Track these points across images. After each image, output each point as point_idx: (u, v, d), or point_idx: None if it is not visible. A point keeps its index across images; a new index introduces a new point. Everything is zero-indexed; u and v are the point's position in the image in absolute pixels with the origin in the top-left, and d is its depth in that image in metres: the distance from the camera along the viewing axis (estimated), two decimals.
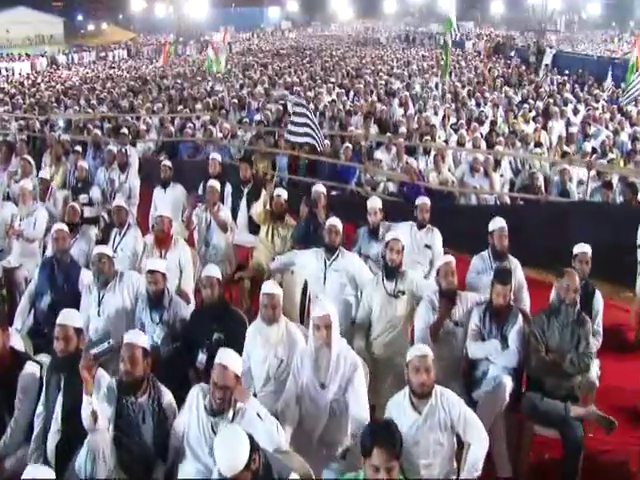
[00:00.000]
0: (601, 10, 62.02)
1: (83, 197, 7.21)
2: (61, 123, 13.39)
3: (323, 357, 3.49)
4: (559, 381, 4.00)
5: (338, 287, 4.74)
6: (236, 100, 14.36)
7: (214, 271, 4.17)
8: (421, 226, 5.67)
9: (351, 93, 15.87)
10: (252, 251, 6.78)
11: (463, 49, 33.02)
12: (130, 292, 4.48)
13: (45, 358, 3.74)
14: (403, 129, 10.91)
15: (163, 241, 5.19)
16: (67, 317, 3.45)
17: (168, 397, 3.24)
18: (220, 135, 11.26)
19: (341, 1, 72.81)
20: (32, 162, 7.97)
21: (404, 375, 4.38)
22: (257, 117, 13.36)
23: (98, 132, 9.58)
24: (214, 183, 6.17)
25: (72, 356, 3.30)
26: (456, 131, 11.85)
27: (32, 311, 4.73)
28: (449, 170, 9.80)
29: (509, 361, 4.08)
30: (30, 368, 3.45)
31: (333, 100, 14.28)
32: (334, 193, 9.77)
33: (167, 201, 6.98)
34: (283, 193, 5.96)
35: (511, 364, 4.09)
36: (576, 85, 17.02)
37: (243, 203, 6.83)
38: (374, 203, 5.68)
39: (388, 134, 10.30)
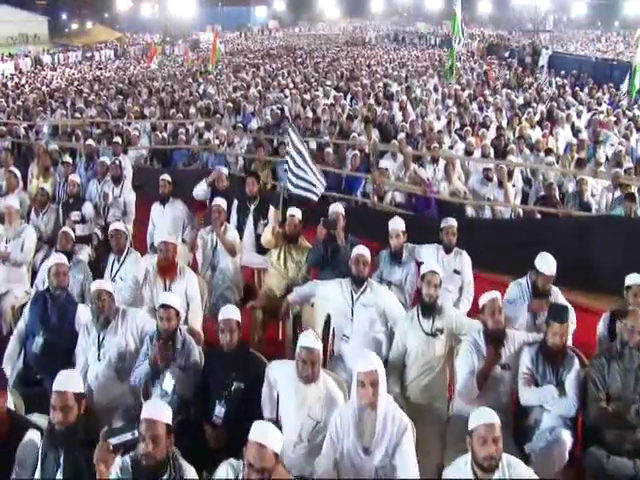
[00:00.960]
0: (586, 10, 62.27)
1: (75, 214, 6.65)
2: (46, 129, 12.76)
3: (367, 419, 3.02)
4: (622, 434, 3.55)
5: (367, 324, 4.25)
6: (230, 104, 13.80)
7: (233, 313, 3.66)
8: (448, 250, 5.21)
9: (348, 96, 15.37)
10: (260, 273, 6.30)
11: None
12: (134, 332, 3.96)
13: (40, 419, 3.21)
14: (401, 135, 10.43)
15: (168, 270, 4.67)
16: (65, 382, 2.89)
17: (191, 474, 2.73)
18: (217, 142, 10.72)
19: (328, 0, 72.49)
20: (18, 175, 7.41)
21: (444, 423, 3.99)
22: (253, 122, 12.86)
23: (91, 142, 8.95)
24: (221, 201, 5.65)
25: (72, 427, 2.79)
26: (461, 137, 11.46)
27: (21, 353, 4.18)
28: (459, 179, 9.38)
29: (566, 410, 3.63)
30: (30, 435, 2.91)
31: (331, 104, 13.79)
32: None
33: (166, 218, 6.48)
34: (297, 212, 5.46)
35: (568, 413, 3.64)
36: (577, 88, 16.66)
37: (250, 221, 6.32)
38: (396, 225, 5.21)
39: (395, 141, 9.81)
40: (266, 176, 9.96)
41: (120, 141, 8.78)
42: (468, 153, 10.19)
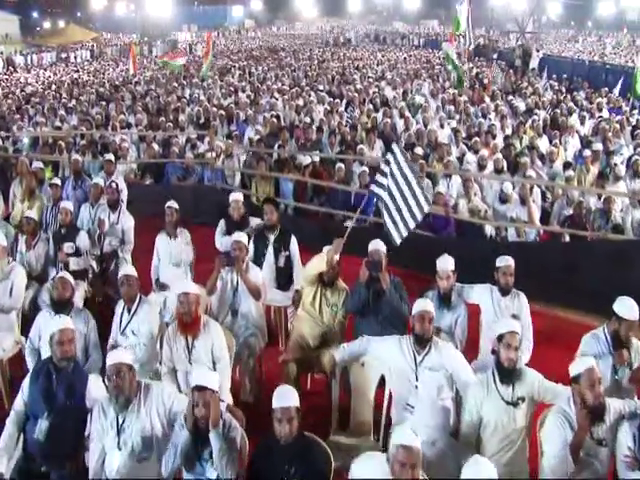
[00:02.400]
0: (561, 10, 62.72)
1: (68, 246, 5.89)
2: (26, 140, 11.87)
3: None
4: None
5: (435, 390, 3.63)
6: (223, 112, 13.04)
7: (292, 399, 2.99)
8: (505, 292, 4.62)
9: (343, 101, 14.73)
10: (281, 313, 5.65)
11: (439, 50, 32.27)
12: (161, 413, 3.28)
13: None
14: (419, 150, 9.84)
15: (191, 326, 3.98)
16: None
17: None
18: (212, 154, 9.98)
19: (305, 0, 71.94)
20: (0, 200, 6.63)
21: None
22: (248, 131, 12.13)
23: (78, 158, 8.15)
24: (241, 237, 4.96)
25: None
26: (469, 147, 10.93)
27: (20, 440, 3.44)
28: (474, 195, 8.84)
29: None
30: None
31: (329, 111, 13.14)
32: (350, 224, 8.68)
33: (174, 251, 5.80)
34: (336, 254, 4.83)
35: None
36: (575, 92, 16.28)
37: (269, 252, 5.66)
38: (446, 264, 4.63)
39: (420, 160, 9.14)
40: (268, 192, 9.30)
41: (113, 158, 7.96)
42: (481, 167, 9.65)
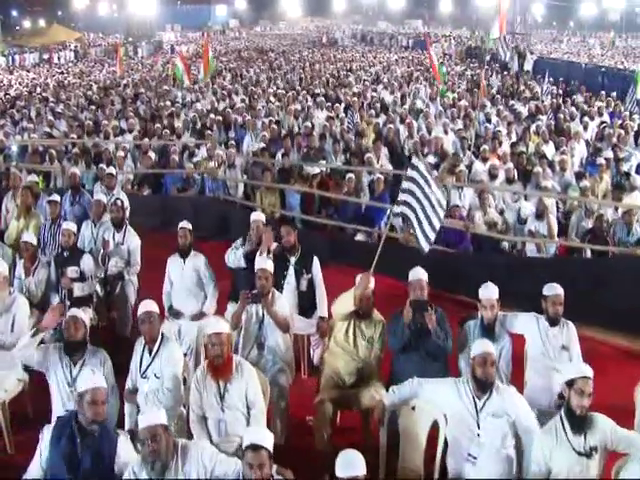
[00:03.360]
0: (543, 10, 63.05)
1: (72, 270, 5.46)
2: (15, 148, 11.33)
3: None
4: None
5: (499, 440, 3.31)
6: (220, 117, 12.60)
7: (359, 468, 2.63)
8: (553, 322, 4.31)
9: (341, 106, 14.35)
10: (304, 342, 5.29)
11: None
12: (203, 478, 2.90)
13: None
14: (430, 158, 9.53)
15: (223, 370, 3.60)
16: None
17: None
18: (213, 163, 9.56)
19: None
20: None
21: None
22: (247, 138, 11.72)
23: (76, 170, 7.69)
24: (267, 264, 4.59)
25: None
26: (476, 155, 10.65)
27: None
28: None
29: None
30: None
31: (330, 117, 12.77)
32: (360, 238, 8.37)
33: (187, 277, 5.39)
34: (371, 283, 4.49)
35: None
36: (575, 96, 16.11)
37: (290, 276, 5.29)
38: (490, 293, 4.32)
39: (435, 173, 8.77)
40: (273, 204, 8.93)
41: (114, 171, 7.52)
42: (492, 177, 9.37)
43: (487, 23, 58.38)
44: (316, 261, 5.39)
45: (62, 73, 25.61)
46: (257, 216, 5.58)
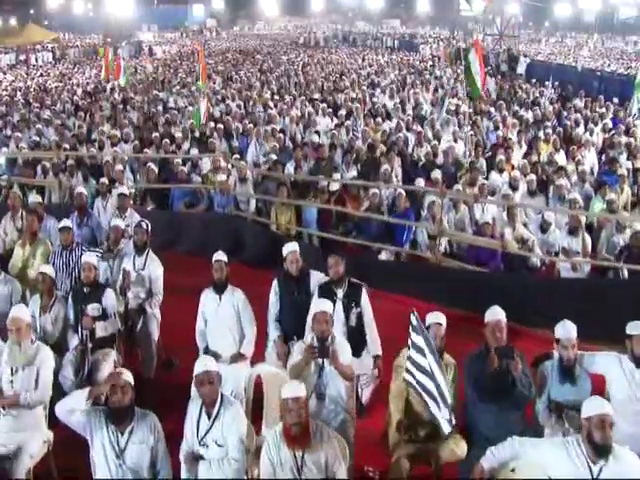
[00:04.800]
0: (518, 11, 63.47)
1: (93, 308, 4.89)
2: (2, 160, 10.62)
3: None
4: None
5: None
6: (221, 125, 12.03)
7: None
8: (639, 363, 3.94)
9: (342, 112, 13.91)
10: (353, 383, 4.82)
11: (416, 53, 31.83)
12: None
13: None
14: (437, 174, 9.12)
15: (301, 439, 3.12)
16: None
17: None
18: (222, 177, 9.01)
19: None
20: None
21: None
22: (252, 148, 11.19)
23: (83, 191, 7.08)
24: (327, 307, 4.11)
25: None
26: (490, 164, 10.30)
27: None
28: None
29: None
30: None
31: (336, 125, 12.30)
32: (384, 257, 7.92)
33: (224, 314, 4.87)
34: (442, 319, 4.06)
35: None
36: (575, 101, 15.90)
37: (339, 311, 4.80)
38: (570, 331, 3.97)
39: (457, 186, 8.45)
40: (289, 220, 8.45)
41: (127, 191, 6.94)
42: (513, 189, 9.02)
43: (465, 23, 58.66)
44: (364, 293, 4.95)
45: (42, 75, 24.63)
46: (292, 247, 5.06)
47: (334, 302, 4.83)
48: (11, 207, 7.02)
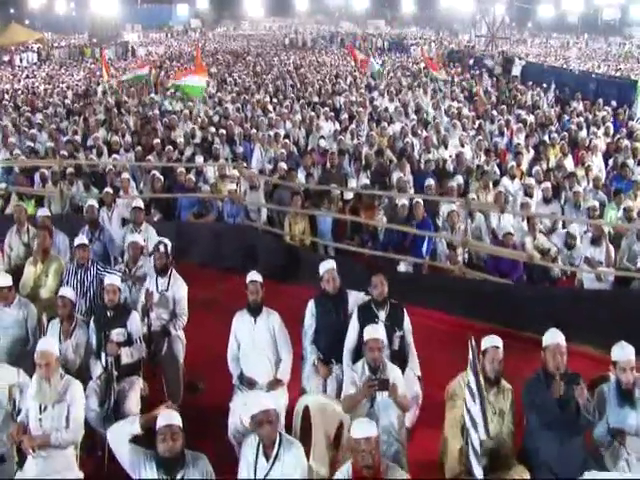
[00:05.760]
0: (503, 11, 63.74)
1: (118, 333, 4.60)
2: None
3: None
4: None
5: None
6: (223, 130, 11.72)
7: None
8: None
9: (344, 115, 13.68)
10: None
11: (409, 55, 31.66)
12: None
13: None
14: (459, 179, 8.97)
15: None
16: None
17: None
18: (230, 185, 8.72)
19: None
20: None
21: None
22: (257, 153, 10.91)
23: (94, 204, 6.74)
24: (380, 333, 3.87)
25: None
26: (502, 170, 10.16)
27: None
28: None
29: None
30: None
31: (338, 130, 12.05)
32: (403, 268, 7.69)
33: (260, 338, 4.61)
34: (499, 342, 3.85)
35: None
36: (575, 104, 15.83)
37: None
38: (629, 354, 3.81)
39: (472, 194, 8.25)
40: (303, 231, 8.19)
41: (142, 204, 6.62)
42: (528, 196, 8.85)
43: (451, 24, 58.68)
44: (406, 314, 4.72)
45: (28, 77, 24.02)
46: (330, 265, 4.81)
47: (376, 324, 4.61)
48: (17, 221, 6.67)
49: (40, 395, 3.70)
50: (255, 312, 4.60)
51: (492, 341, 3.95)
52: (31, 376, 4.09)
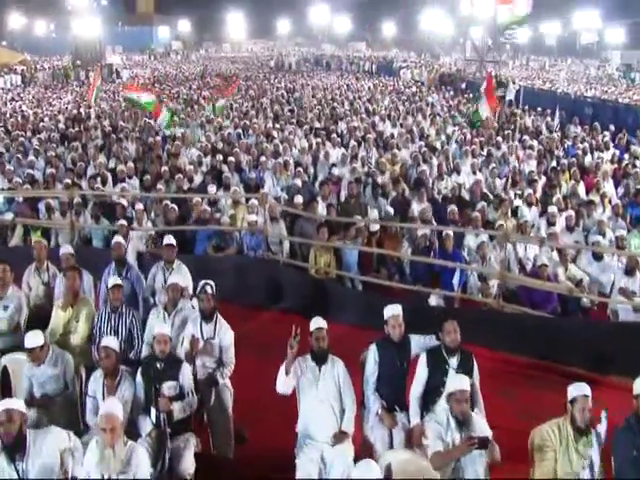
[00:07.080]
0: (481, 33, 64.90)
1: (170, 387, 4.27)
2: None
3: None
4: None
5: None
6: (233, 159, 11.43)
7: None
8: None
9: (352, 142, 13.49)
10: None
11: (395, 77, 31.81)
12: None
13: None
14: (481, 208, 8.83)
15: None
16: None
17: None
18: (252, 217, 8.38)
19: (234, 21, 70.69)
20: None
21: None
22: (269, 180, 10.62)
23: (121, 241, 6.36)
24: (464, 383, 3.64)
25: None
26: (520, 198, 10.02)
27: None
28: None
29: None
30: None
31: (346, 156, 11.83)
32: (434, 302, 7.44)
33: (325, 389, 4.30)
34: (587, 390, 3.66)
35: None
36: (575, 129, 15.93)
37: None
38: None
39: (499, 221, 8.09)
40: (328, 263, 7.92)
41: (174, 241, 6.28)
42: (550, 225, 8.74)
43: (432, 47, 59.41)
44: (475, 362, 4.47)
45: (14, 100, 23.47)
46: (396, 311, 4.54)
47: (446, 373, 4.36)
48: (36, 258, 6.28)
49: (104, 465, 3.35)
50: (321, 361, 4.30)
51: (581, 389, 3.77)
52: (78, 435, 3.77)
